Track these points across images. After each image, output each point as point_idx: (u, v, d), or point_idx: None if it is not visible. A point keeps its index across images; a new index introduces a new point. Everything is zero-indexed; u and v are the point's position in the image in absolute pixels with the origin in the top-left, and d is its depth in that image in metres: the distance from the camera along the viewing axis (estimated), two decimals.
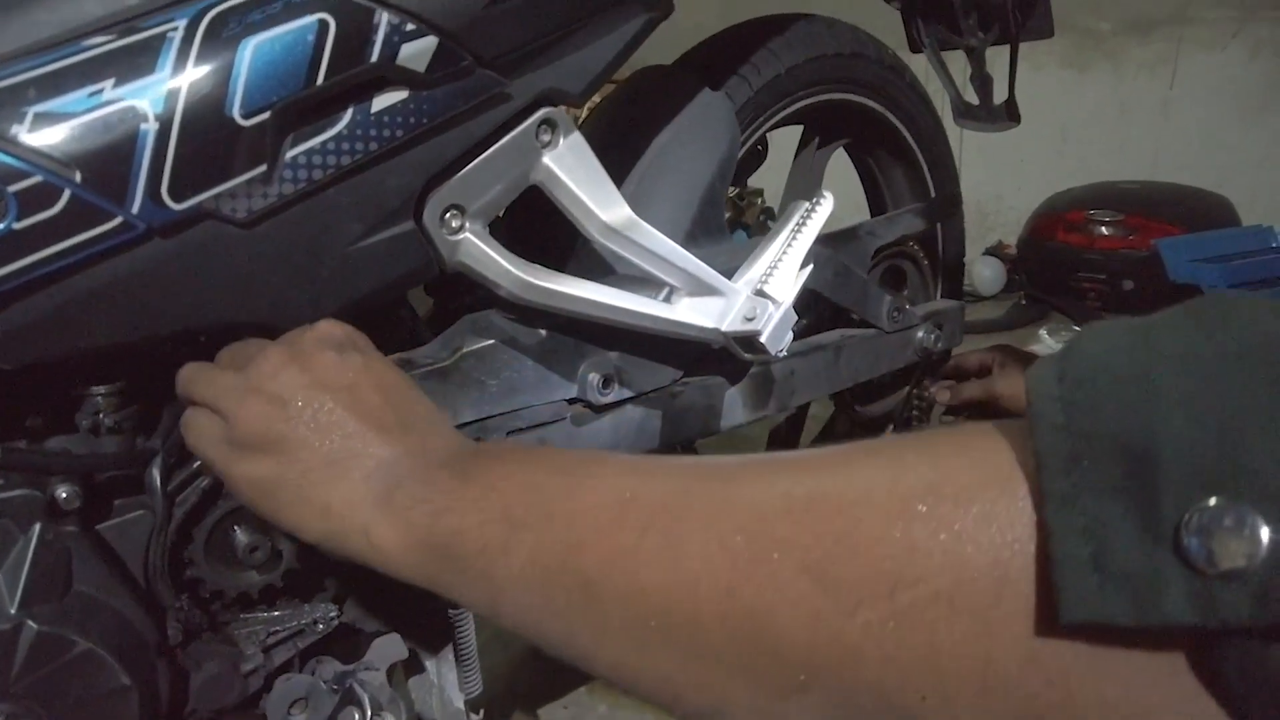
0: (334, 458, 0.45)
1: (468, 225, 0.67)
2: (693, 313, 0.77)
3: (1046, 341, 2.47)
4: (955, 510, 0.28)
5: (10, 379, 0.53)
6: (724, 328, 0.77)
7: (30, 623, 0.50)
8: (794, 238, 0.79)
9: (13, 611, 0.50)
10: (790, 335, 0.78)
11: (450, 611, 0.80)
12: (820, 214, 0.80)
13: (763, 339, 0.76)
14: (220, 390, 0.49)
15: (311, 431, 0.46)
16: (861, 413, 1.16)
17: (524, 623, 0.39)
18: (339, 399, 0.47)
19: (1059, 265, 2.81)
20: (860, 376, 1.01)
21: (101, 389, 0.58)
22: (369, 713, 0.61)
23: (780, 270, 0.78)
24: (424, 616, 0.79)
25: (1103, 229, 2.71)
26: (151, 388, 0.62)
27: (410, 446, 0.46)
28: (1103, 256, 2.71)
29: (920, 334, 1.07)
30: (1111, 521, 0.24)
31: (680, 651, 0.33)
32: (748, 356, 0.79)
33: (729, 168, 0.90)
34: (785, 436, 1.24)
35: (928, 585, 0.27)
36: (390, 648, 0.74)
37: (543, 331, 0.74)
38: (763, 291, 0.78)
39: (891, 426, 1.29)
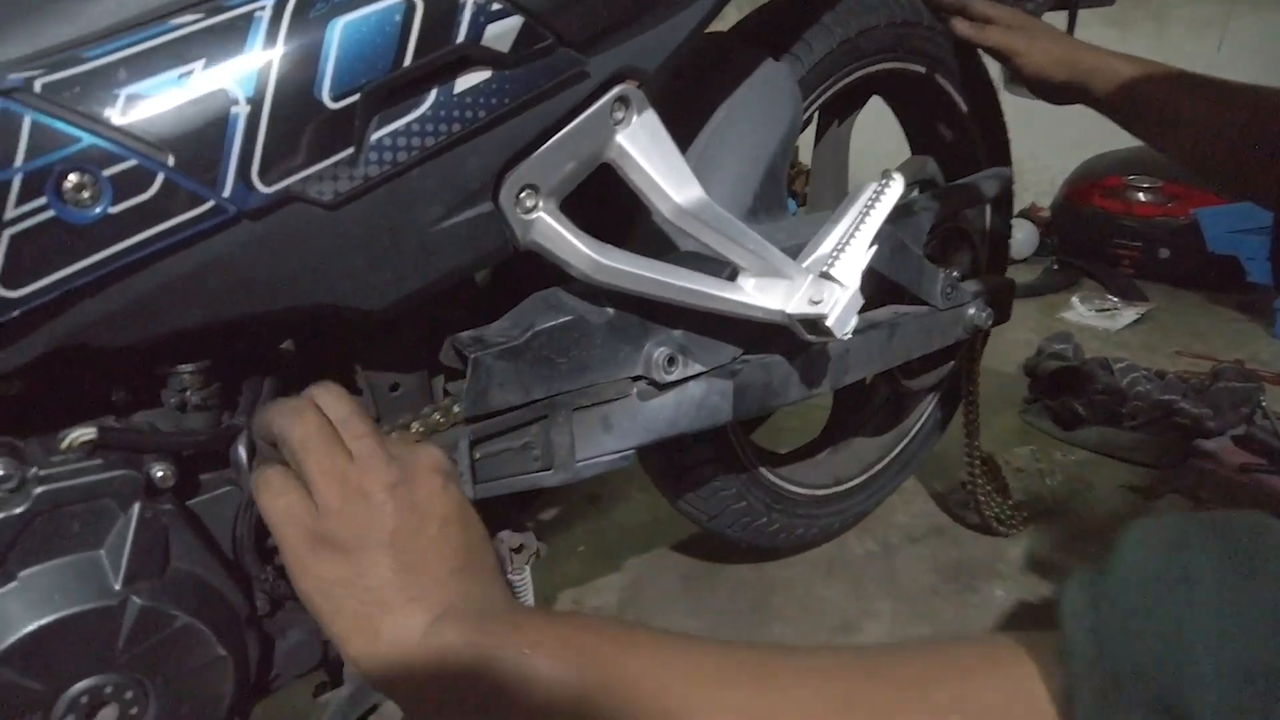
0: (407, 588, 0.45)
1: (541, 205, 0.67)
2: (759, 294, 0.77)
3: (1079, 309, 2.44)
4: None
5: (100, 360, 0.54)
6: (789, 310, 0.77)
7: (134, 598, 0.52)
8: (863, 219, 0.78)
9: (117, 588, 0.52)
10: (855, 319, 0.78)
11: (510, 577, 0.81)
12: (890, 195, 0.79)
13: (829, 323, 0.76)
14: (324, 470, 0.46)
15: (399, 554, 0.45)
16: (905, 385, 1.15)
17: None
18: (434, 530, 0.47)
19: (1094, 231, 2.77)
20: (912, 354, 1.01)
21: (188, 367, 0.58)
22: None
23: (848, 252, 0.77)
24: None
25: (1140, 195, 2.66)
26: (235, 366, 0.62)
27: (472, 593, 0.46)
28: (1139, 224, 2.66)
29: (971, 311, 1.06)
30: None
31: None
32: (810, 338, 0.79)
33: (791, 141, 0.89)
34: (844, 420, 1.25)
35: None
36: None
37: (610, 310, 0.74)
38: (829, 274, 0.77)
39: (935, 398, 1.29)
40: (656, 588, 1.27)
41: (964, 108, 1.14)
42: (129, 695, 0.53)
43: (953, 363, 1.17)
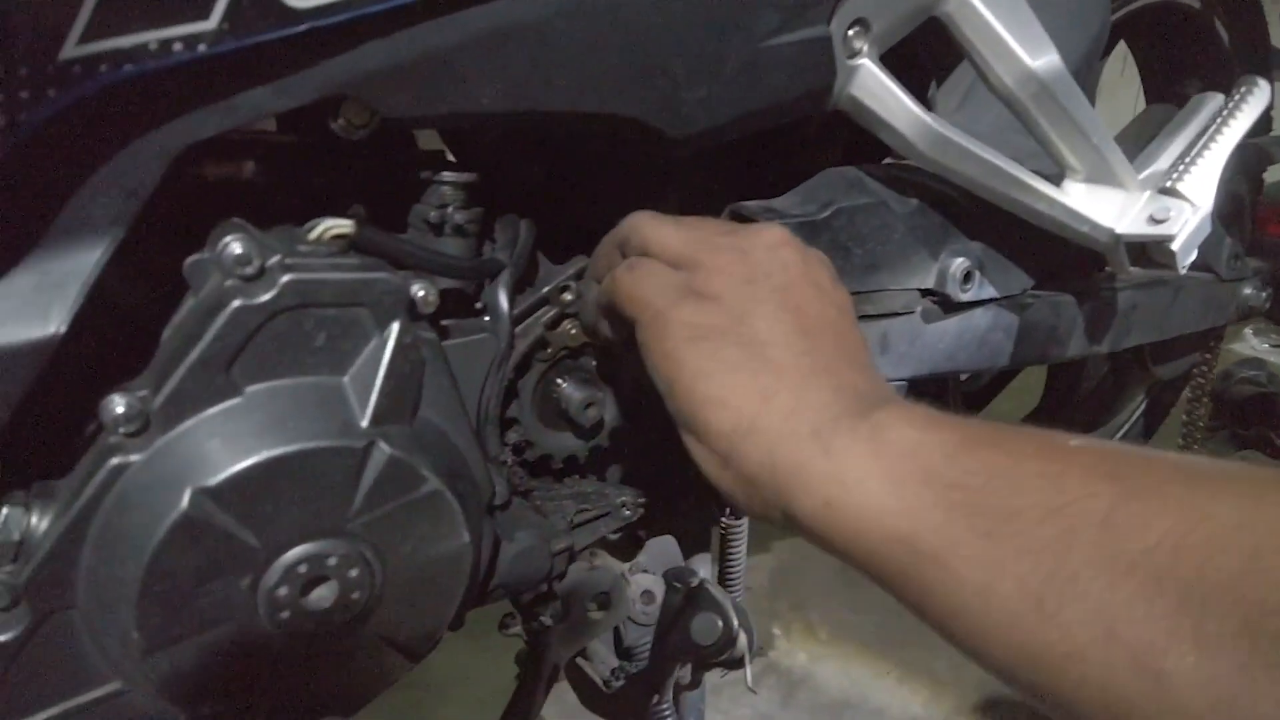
0: (811, 353, 0.39)
1: (865, 50, 0.54)
2: (1088, 203, 0.62)
3: (1251, 341, 2.25)
4: None
5: (362, 145, 0.42)
6: (1122, 229, 0.63)
7: (383, 445, 0.39)
8: (1218, 130, 0.64)
9: (364, 426, 0.39)
10: (1196, 252, 0.64)
11: (724, 520, 0.68)
12: (1255, 103, 0.65)
13: (1175, 245, 0.61)
14: (697, 240, 0.42)
15: (786, 317, 0.40)
16: (1154, 370, 1.00)
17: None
18: (825, 304, 0.42)
19: (1273, 261, 2.55)
20: (1186, 327, 0.86)
21: (450, 176, 0.46)
22: (734, 621, 0.50)
23: (1200, 166, 0.63)
24: (694, 522, 0.68)
25: None
26: (495, 196, 0.50)
27: (880, 388, 0.40)
28: None
29: (1249, 290, 0.91)
30: None
31: None
32: (1131, 270, 0.65)
33: (1096, 55, 0.75)
34: (1050, 408, 1.10)
35: None
36: (665, 552, 0.63)
37: (914, 201, 0.61)
38: (1174, 190, 0.63)
39: (1146, 397, 1.13)
40: (810, 577, 1.13)
41: (1231, 57, 0.99)
42: (353, 574, 0.41)
43: (1197, 354, 1.02)
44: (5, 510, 0.37)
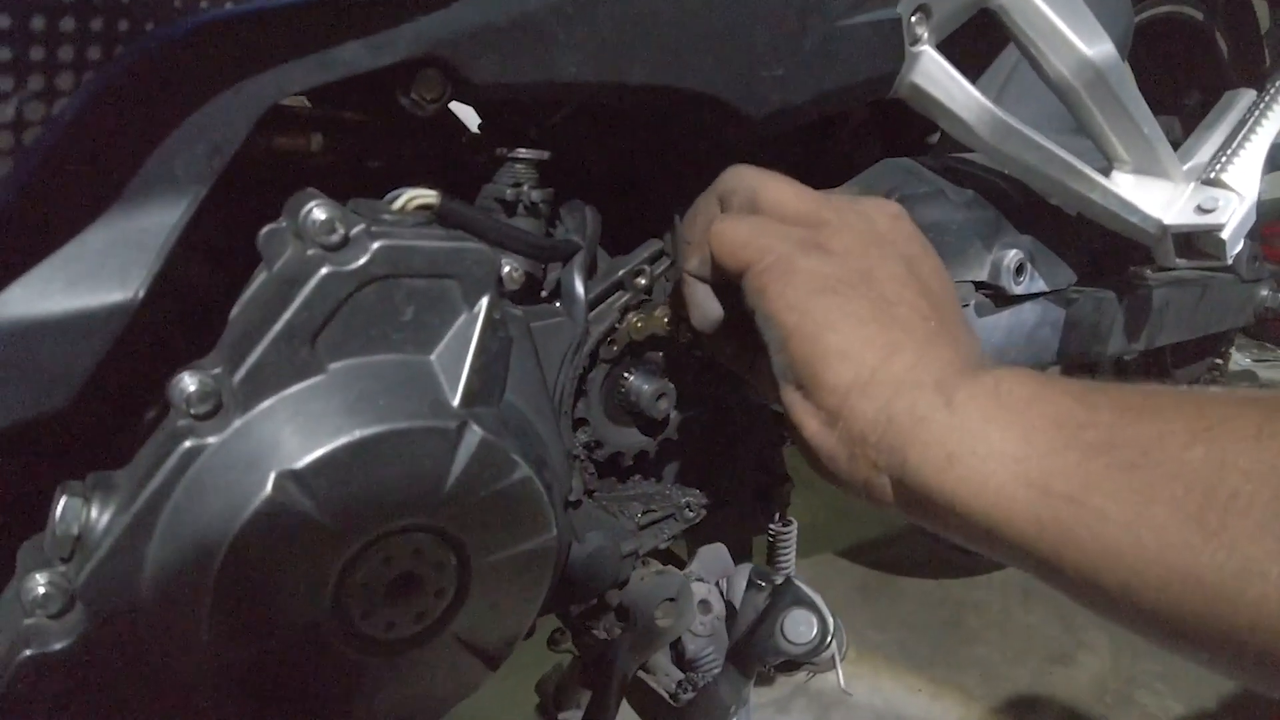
0: (935, 315, 0.38)
1: (927, 37, 0.54)
2: (1138, 194, 0.62)
3: (1235, 357, 2.29)
4: None
5: (437, 118, 0.40)
6: (1170, 219, 0.63)
7: (475, 427, 0.36)
8: (1255, 123, 0.65)
9: (455, 405, 0.37)
10: (1243, 242, 0.64)
11: (772, 528, 0.66)
12: None
13: (1224, 234, 0.61)
14: (817, 199, 0.41)
15: (913, 282, 0.39)
16: (1174, 375, 1.00)
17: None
18: (944, 279, 0.41)
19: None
20: (1211, 326, 0.86)
21: (525, 153, 0.44)
22: (829, 618, 0.47)
23: (1242, 157, 0.63)
24: (743, 530, 0.65)
25: None
26: (563, 180, 0.48)
27: (984, 358, 0.38)
28: None
29: (1265, 292, 0.92)
30: None
31: None
32: (1178, 261, 0.65)
33: (1125, 51, 0.76)
34: None
35: None
36: (717, 559, 0.60)
37: (970, 192, 0.60)
38: (1218, 180, 0.63)
39: None
40: (832, 594, 1.10)
41: (1228, 69, 1.02)
42: (440, 567, 0.38)
43: (1209, 359, 1.02)
44: (64, 501, 0.34)
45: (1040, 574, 0.33)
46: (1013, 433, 0.33)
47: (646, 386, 0.49)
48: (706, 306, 0.43)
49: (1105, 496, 0.30)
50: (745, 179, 0.43)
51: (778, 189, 0.41)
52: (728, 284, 0.41)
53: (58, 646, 0.33)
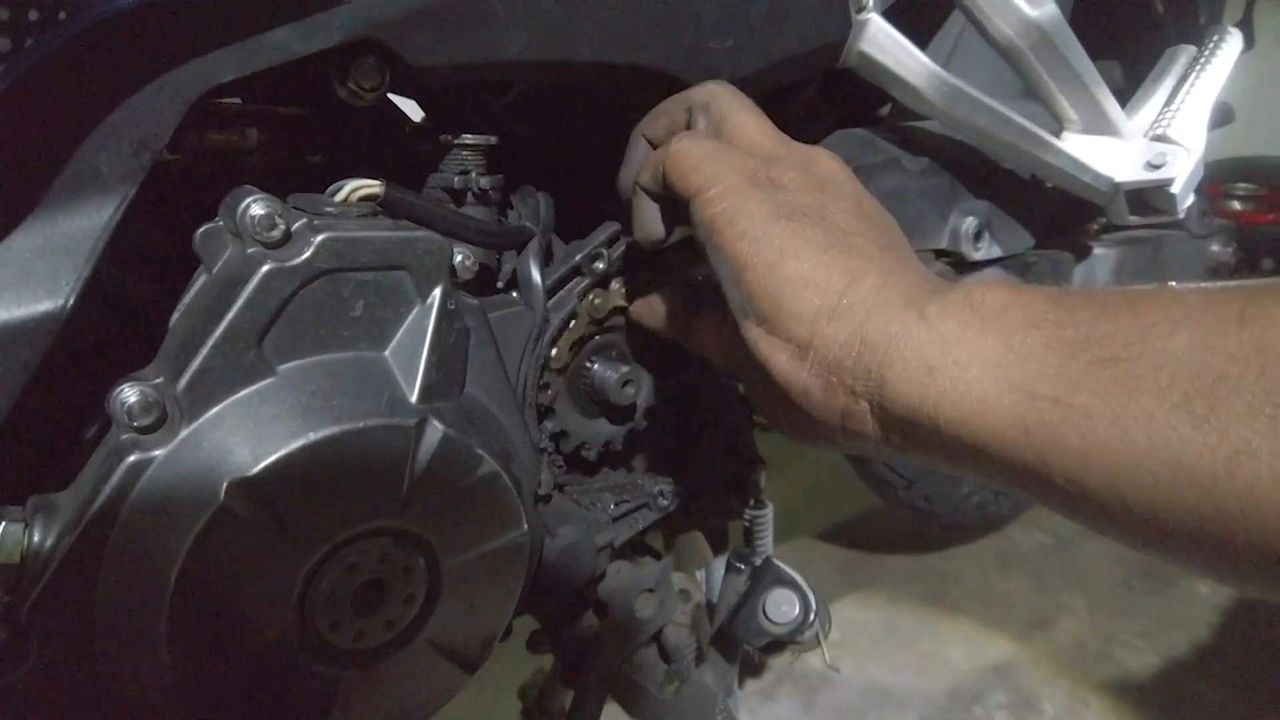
0: (883, 247, 0.37)
1: (872, 3, 0.53)
2: (1089, 153, 0.62)
3: None
4: None
5: (377, 109, 0.38)
6: (1121, 177, 0.63)
7: (435, 423, 0.35)
8: (1197, 75, 0.65)
9: (413, 401, 0.35)
10: (1192, 198, 0.64)
11: (747, 513, 0.65)
12: (1229, 49, 0.66)
13: (1174, 189, 0.62)
14: (777, 135, 0.41)
15: (865, 216, 0.39)
16: None
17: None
18: (889, 218, 0.41)
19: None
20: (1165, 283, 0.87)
21: (472, 139, 0.43)
22: (810, 596, 0.46)
23: (1185, 111, 0.64)
24: (719, 516, 0.64)
25: (1236, 204, 2.57)
26: (520, 161, 0.47)
27: (916, 276, 0.37)
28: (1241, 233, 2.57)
29: (1215, 246, 0.93)
30: None
31: None
32: (1131, 219, 0.65)
33: (1066, 8, 0.76)
34: None
35: None
36: (695, 549, 0.59)
37: (924, 159, 0.60)
38: (1164, 136, 0.64)
39: None
40: (813, 576, 1.10)
41: (1167, 25, 1.03)
42: (408, 569, 0.36)
43: None
44: (2, 527, 0.32)
45: (1027, 486, 0.32)
46: (991, 338, 0.32)
47: (612, 374, 0.48)
48: (651, 226, 0.42)
49: (1089, 393, 0.29)
50: (718, 101, 0.41)
51: (745, 119, 0.40)
52: (676, 207, 0.40)
53: (5, 679, 0.32)
